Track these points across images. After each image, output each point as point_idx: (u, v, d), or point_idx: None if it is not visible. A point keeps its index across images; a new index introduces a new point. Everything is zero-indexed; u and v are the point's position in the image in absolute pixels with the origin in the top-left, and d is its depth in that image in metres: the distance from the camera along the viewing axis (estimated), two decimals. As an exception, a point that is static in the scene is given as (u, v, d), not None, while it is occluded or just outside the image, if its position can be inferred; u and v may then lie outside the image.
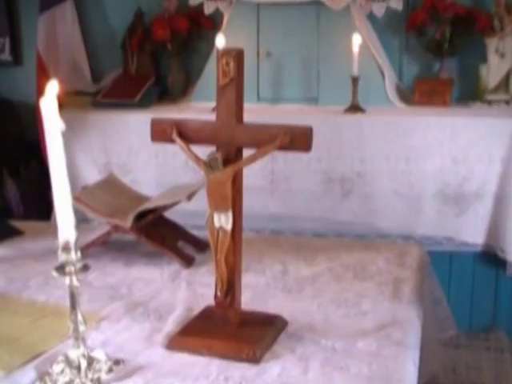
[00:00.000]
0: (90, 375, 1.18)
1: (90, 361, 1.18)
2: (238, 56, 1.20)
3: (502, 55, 3.00)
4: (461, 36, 3.01)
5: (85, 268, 1.14)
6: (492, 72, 2.99)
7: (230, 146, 1.23)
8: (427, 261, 1.71)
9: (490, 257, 2.59)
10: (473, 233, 2.38)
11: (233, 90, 1.21)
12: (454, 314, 1.72)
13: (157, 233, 1.75)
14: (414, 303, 1.42)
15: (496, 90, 2.97)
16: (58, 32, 3.37)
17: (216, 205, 1.24)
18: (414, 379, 1.18)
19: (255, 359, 1.20)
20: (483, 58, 2.99)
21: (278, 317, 1.34)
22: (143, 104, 2.97)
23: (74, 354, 1.17)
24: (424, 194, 2.38)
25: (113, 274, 1.63)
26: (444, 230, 2.40)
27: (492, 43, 2.98)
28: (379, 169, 2.42)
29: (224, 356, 1.21)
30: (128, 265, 1.69)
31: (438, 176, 2.38)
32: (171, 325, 1.34)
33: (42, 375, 1.17)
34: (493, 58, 2.99)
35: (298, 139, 1.18)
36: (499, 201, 2.39)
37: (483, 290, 2.60)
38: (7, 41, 3.64)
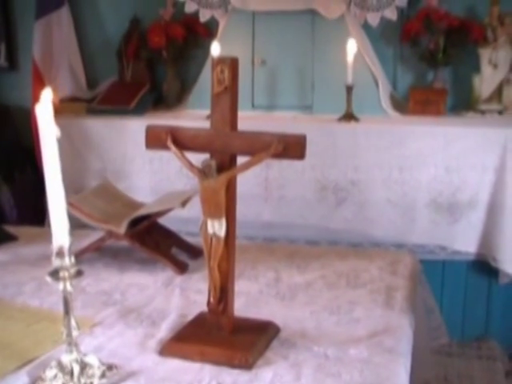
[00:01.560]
0: (82, 380, 1.18)
1: (83, 366, 1.19)
2: (233, 64, 1.21)
3: (495, 66, 3.03)
4: (454, 46, 3.04)
5: (78, 273, 1.14)
6: (485, 82, 3.02)
7: (224, 154, 1.24)
8: (420, 269, 1.72)
9: (482, 266, 2.60)
10: (465, 242, 2.38)
11: (227, 98, 1.22)
12: (447, 322, 1.72)
13: (151, 239, 1.76)
14: (406, 311, 1.43)
15: (489, 100, 2.99)
16: (53, 38, 3.38)
17: (210, 212, 1.25)
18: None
19: (248, 365, 1.21)
20: (476, 68, 3.01)
21: (271, 323, 1.35)
22: (138, 111, 2.98)
23: (67, 359, 1.17)
24: (417, 202, 2.38)
25: (106, 279, 1.64)
26: (437, 238, 2.40)
27: (485, 54, 3.00)
28: (373, 177, 2.43)
29: (216, 362, 1.22)
30: (122, 271, 1.70)
31: (431, 185, 2.39)
32: (164, 331, 1.35)
33: (35, 380, 1.17)
34: (486, 68, 3.02)
35: (292, 147, 1.19)
36: (492, 210, 2.40)
37: (476, 299, 2.60)
38: (3, 46, 3.64)
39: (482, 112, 2.93)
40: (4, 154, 3.19)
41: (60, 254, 1.12)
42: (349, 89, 2.77)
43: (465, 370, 1.31)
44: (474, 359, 1.36)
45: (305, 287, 1.57)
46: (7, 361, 1.24)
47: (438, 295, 2.05)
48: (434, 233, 2.39)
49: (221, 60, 1.22)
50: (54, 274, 1.13)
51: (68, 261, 1.13)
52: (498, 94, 3.01)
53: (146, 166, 2.65)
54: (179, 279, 1.64)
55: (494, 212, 2.36)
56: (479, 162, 2.39)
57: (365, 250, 2.05)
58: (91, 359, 1.20)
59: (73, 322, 1.16)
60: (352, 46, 2.77)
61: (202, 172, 1.23)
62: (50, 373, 1.18)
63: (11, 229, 2.02)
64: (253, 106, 2.93)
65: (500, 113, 2.92)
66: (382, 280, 1.59)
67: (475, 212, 2.37)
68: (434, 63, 3.08)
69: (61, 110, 2.81)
